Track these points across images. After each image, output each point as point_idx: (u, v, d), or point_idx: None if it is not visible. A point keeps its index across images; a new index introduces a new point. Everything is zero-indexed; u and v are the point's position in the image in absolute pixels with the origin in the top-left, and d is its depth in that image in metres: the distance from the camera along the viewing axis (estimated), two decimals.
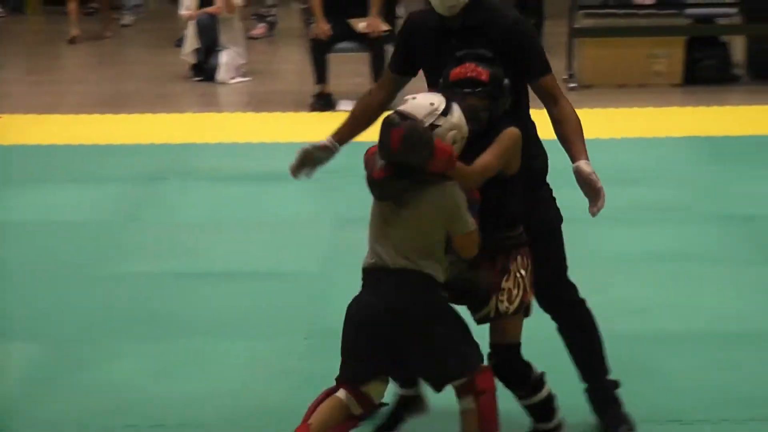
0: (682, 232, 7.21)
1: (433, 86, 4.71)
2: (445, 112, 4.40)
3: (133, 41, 13.64)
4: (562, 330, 4.97)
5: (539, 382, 4.79)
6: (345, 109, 10.34)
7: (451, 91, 4.56)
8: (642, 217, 7.43)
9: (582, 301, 4.96)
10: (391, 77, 5.04)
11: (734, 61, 11.40)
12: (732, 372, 5.47)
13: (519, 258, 4.63)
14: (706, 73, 11.06)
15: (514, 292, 4.62)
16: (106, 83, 11.56)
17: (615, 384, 4.98)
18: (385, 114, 4.53)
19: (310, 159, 5.23)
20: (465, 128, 4.43)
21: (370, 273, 4.59)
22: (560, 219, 4.86)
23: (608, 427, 4.95)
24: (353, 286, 6.38)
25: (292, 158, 8.80)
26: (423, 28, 4.80)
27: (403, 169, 4.34)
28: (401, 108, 4.42)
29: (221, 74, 11.35)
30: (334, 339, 5.83)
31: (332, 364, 5.58)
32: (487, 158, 4.47)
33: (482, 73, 4.54)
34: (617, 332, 5.84)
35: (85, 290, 6.55)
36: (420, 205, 4.43)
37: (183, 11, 11.69)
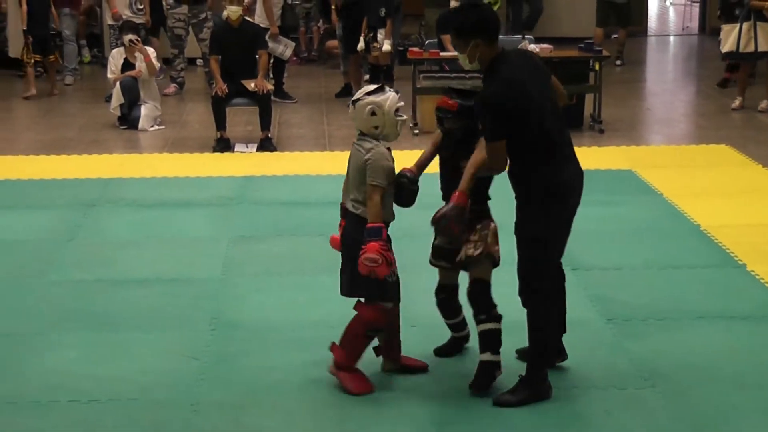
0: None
1: None
2: (370, 94, 4.88)
3: (71, 97, 13.38)
4: (528, 318, 4.99)
5: (495, 317, 5.07)
6: (240, 150, 10.32)
7: (437, 114, 5.14)
8: None
9: (538, 293, 4.90)
10: None
11: None
12: None
13: (483, 222, 5.05)
14: None
15: (478, 243, 5.03)
16: (50, 131, 11.34)
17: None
18: None
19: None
20: (387, 105, 4.87)
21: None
22: (544, 230, 4.85)
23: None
24: (248, 288, 6.45)
25: (199, 189, 8.83)
26: None
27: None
28: None
29: (142, 123, 11.23)
30: (235, 329, 5.85)
31: (234, 348, 5.61)
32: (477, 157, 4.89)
33: (453, 105, 5.02)
34: None
35: (33, 294, 6.43)
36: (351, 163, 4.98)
37: (110, 75, 11.55)
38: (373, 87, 4.96)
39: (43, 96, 13.04)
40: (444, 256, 5.22)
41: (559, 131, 4.89)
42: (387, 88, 4.99)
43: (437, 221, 4.88)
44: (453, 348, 5.48)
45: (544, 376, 5.00)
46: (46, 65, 13.31)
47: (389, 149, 4.99)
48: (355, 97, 4.95)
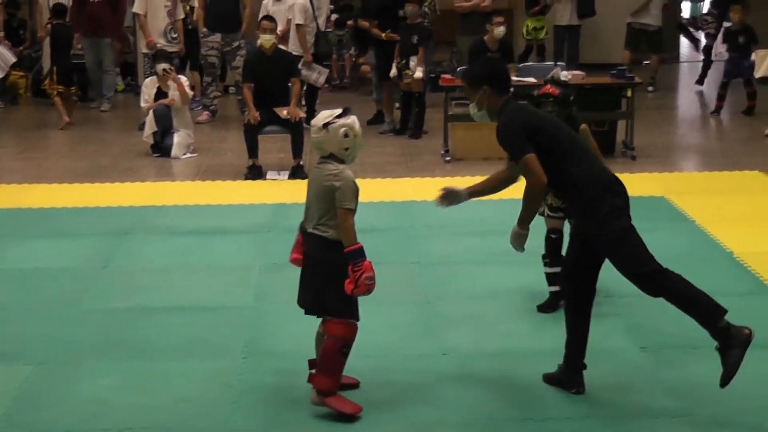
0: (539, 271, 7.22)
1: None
2: (339, 117, 4.98)
3: (105, 126, 13.50)
4: (669, 300, 5.09)
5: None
6: (272, 177, 10.36)
7: (537, 100, 6.28)
8: (506, 260, 7.43)
9: (656, 275, 5.02)
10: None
11: None
12: None
13: None
14: None
15: None
16: (84, 159, 11.44)
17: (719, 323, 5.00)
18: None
19: (453, 198, 5.54)
20: (357, 128, 5.01)
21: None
22: (617, 231, 5.01)
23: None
24: (281, 316, 6.44)
25: (232, 217, 8.85)
26: None
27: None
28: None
29: (175, 151, 11.31)
30: (268, 359, 5.85)
31: (267, 376, 5.61)
32: None
33: (555, 91, 6.26)
34: (489, 350, 5.92)
35: (67, 322, 6.47)
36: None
37: (143, 104, 11.63)
38: (339, 110, 5.05)
39: (58, 125, 13.14)
40: (560, 209, 6.49)
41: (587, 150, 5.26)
42: (342, 111, 5.10)
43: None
44: (555, 304, 6.42)
45: (727, 328, 4.97)
46: (66, 95, 13.40)
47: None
48: (325, 121, 5.00)
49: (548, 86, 6.44)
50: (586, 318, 5.28)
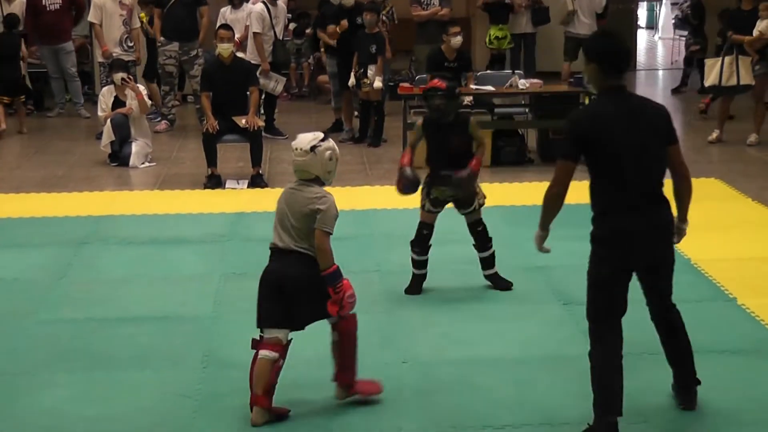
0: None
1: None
2: (323, 140, 5.10)
3: (62, 135, 13.36)
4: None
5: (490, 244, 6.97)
6: (231, 186, 10.31)
7: (425, 93, 6.72)
8: (463, 269, 7.47)
9: (593, 343, 4.99)
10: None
11: (528, 149, 11.59)
12: (531, 387, 5.55)
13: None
14: (507, 157, 11.20)
15: (481, 194, 6.90)
16: (41, 168, 11.32)
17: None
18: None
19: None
20: (338, 151, 5.16)
21: (273, 250, 5.18)
22: (592, 276, 4.98)
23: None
24: (239, 325, 6.40)
25: (191, 226, 8.79)
26: None
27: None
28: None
29: (133, 160, 11.23)
30: (227, 367, 5.82)
31: (226, 386, 5.58)
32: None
33: (443, 84, 6.60)
34: (448, 358, 5.93)
35: (23, 333, 6.40)
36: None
37: (100, 113, 11.53)
38: (321, 134, 5.16)
39: (12, 134, 13.01)
40: (441, 204, 6.90)
41: (637, 181, 4.87)
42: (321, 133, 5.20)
43: (460, 179, 6.63)
44: (419, 287, 6.96)
45: (609, 425, 4.89)
46: (15, 105, 13.25)
47: None
48: (312, 144, 5.09)
49: (436, 80, 6.66)
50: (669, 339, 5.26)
